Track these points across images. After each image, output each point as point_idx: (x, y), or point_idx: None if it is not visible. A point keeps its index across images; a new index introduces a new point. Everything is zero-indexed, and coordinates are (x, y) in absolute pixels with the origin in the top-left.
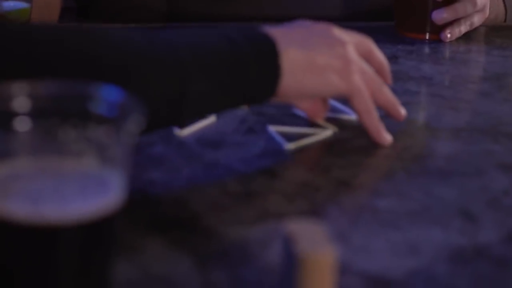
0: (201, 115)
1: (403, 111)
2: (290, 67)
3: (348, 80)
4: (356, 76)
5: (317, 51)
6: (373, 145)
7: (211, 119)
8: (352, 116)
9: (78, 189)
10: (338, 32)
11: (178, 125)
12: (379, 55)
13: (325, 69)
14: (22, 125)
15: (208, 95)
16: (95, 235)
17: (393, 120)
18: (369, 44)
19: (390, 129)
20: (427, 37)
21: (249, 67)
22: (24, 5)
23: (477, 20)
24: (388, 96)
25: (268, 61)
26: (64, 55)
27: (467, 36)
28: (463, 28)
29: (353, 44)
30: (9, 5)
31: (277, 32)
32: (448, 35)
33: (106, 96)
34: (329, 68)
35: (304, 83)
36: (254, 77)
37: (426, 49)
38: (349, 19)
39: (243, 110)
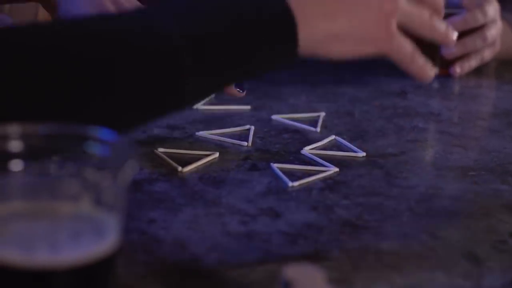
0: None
1: (454, 37)
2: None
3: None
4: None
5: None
6: (377, 185)
7: (214, 156)
8: (358, 154)
9: (72, 233)
10: None
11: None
12: None
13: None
14: (15, 167)
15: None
16: (89, 280)
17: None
18: None
19: (397, 168)
20: (436, 72)
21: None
22: None
23: (487, 54)
24: (439, 31)
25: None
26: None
27: (477, 71)
28: (473, 63)
29: None
30: None
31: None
32: (457, 69)
33: (101, 137)
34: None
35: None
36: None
37: (435, 84)
38: None
39: (247, 146)
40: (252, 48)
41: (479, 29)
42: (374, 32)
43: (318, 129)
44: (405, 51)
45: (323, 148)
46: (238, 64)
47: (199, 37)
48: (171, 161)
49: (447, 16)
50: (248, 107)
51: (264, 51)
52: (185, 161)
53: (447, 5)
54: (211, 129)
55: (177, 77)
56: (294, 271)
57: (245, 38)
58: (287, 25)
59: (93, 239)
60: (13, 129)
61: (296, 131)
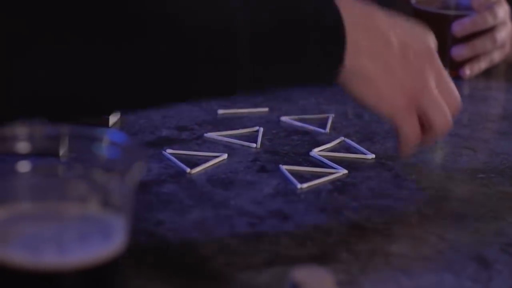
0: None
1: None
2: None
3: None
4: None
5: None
6: (386, 187)
7: (222, 157)
8: (368, 156)
9: (79, 235)
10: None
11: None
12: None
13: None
14: (23, 168)
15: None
16: (97, 282)
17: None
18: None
19: (406, 170)
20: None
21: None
22: None
23: (497, 56)
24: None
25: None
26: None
27: (486, 73)
28: (482, 65)
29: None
30: None
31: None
32: (467, 71)
33: (110, 139)
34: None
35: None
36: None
37: None
38: None
39: (256, 148)
40: (300, 50)
41: (489, 31)
42: (397, 96)
43: (327, 131)
44: (412, 131)
45: (332, 150)
46: (284, 60)
47: (260, 25)
48: (179, 163)
49: (456, 18)
50: (266, 109)
51: (310, 58)
52: (194, 163)
53: (457, 7)
54: (219, 131)
55: (232, 51)
56: (302, 274)
57: (295, 38)
58: (337, 46)
59: (101, 240)
60: (21, 130)
61: (305, 132)
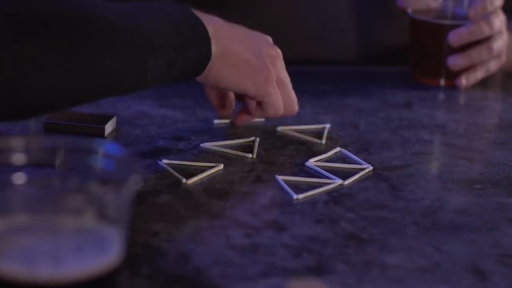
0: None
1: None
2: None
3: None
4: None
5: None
6: (382, 198)
7: (218, 167)
8: (364, 166)
9: (75, 248)
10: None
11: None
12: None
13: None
14: (19, 180)
15: (161, 68)
16: None
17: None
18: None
19: (402, 181)
20: (442, 83)
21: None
22: None
23: (493, 66)
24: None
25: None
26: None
27: (483, 83)
28: (479, 75)
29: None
30: None
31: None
32: (463, 81)
33: (105, 151)
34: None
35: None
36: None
37: (441, 96)
38: (362, 63)
39: (252, 158)
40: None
41: (485, 41)
42: (256, 73)
43: (323, 141)
44: (278, 102)
45: (328, 160)
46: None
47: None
48: (175, 173)
49: (453, 28)
50: (262, 119)
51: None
52: (190, 173)
53: (454, 17)
54: (215, 141)
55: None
56: (298, 285)
57: (175, 36)
58: (202, 35)
59: (96, 253)
60: (17, 141)
61: (301, 143)
